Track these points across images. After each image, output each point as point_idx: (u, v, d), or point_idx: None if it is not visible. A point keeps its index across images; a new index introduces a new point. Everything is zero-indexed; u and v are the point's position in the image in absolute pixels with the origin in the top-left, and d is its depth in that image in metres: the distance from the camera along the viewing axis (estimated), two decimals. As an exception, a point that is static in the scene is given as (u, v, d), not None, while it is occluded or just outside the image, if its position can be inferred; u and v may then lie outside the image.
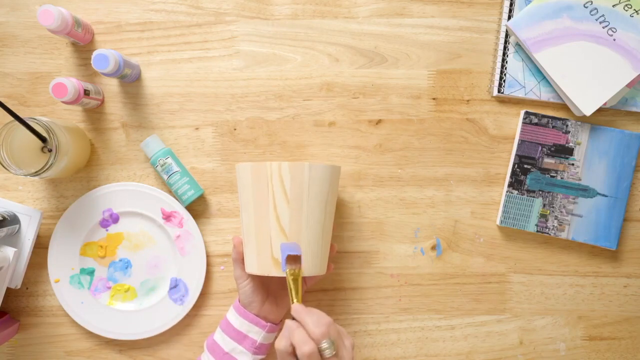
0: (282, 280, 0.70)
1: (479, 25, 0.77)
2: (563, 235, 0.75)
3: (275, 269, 0.62)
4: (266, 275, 0.63)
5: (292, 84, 0.76)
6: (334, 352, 0.55)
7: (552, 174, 0.75)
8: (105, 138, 0.76)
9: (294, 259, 0.61)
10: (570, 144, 0.75)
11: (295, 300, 0.60)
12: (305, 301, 0.77)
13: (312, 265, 0.64)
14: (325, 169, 0.64)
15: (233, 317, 0.68)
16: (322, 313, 0.58)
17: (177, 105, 0.76)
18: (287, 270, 0.61)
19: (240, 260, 0.68)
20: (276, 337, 0.68)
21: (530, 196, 0.75)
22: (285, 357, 0.56)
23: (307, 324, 0.56)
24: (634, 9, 0.73)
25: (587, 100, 0.73)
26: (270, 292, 0.69)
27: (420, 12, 0.76)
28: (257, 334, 0.66)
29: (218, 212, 0.77)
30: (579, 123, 0.75)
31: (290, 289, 0.60)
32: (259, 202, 0.63)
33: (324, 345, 0.55)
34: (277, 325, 0.69)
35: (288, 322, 0.58)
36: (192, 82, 0.76)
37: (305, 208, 0.63)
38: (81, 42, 0.74)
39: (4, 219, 0.69)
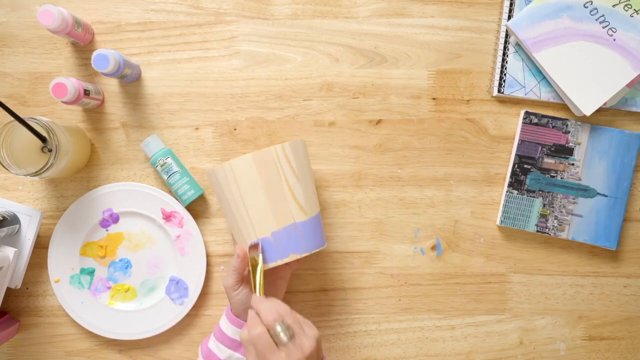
0: (268, 277, 0.70)
1: (479, 25, 0.77)
2: (563, 235, 0.75)
3: (302, 251, 0.63)
4: (299, 258, 0.63)
5: (292, 84, 0.76)
6: (288, 337, 0.55)
7: (552, 174, 0.75)
8: (105, 138, 0.76)
9: (253, 249, 0.62)
10: (570, 144, 0.75)
11: (258, 292, 0.61)
12: (305, 301, 0.77)
13: (322, 238, 0.66)
14: (305, 143, 0.67)
15: (227, 326, 0.67)
16: (278, 301, 0.59)
17: (177, 105, 0.76)
18: (250, 260, 0.62)
19: (242, 269, 0.65)
20: None
21: (530, 196, 0.75)
22: (247, 346, 0.57)
23: (259, 311, 0.57)
24: (634, 9, 0.73)
25: (587, 100, 0.73)
26: None
27: (420, 12, 0.76)
28: None
29: (218, 212, 0.77)
30: (579, 123, 0.75)
31: (254, 280, 0.61)
32: (271, 189, 0.62)
33: (277, 329, 0.55)
34: None
35: (249, 312, 0.59)
36: (192, 82, 0.76)
37: (310, 183, 0.65)
38: (81, 42, 0.74)
39: (4, 219, 0.69)
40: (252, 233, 0.63)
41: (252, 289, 0.61)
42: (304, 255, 0.63)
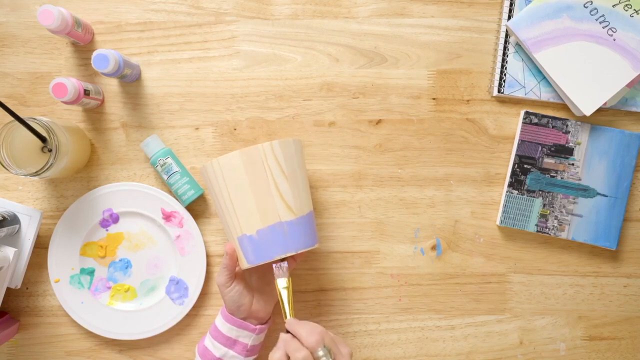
0: (260, 274, 0.70)
1: (479, 25, 0.77)
2: (563, 235, 0.75)
3: (288, 250, 0.62)
4: (287, 255, 0.62)
5: (292, 84, 0.76)
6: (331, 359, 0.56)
7: (552, 174, 0.75)
8: (105, 138, 0.76)
9: (282, 271, 0.63)
10: (570, 144, 0.75)
11: (288, 315, 0.62)
12: (305, 301, 0.77)
13: (312, 238, 0.65)
14: (298, 141, 0.66)
15: (221, 324, 0.67)
16: (313, 323, 0.59)
17: (177, 105, 0.76)
18: (278, 283, 0.62)
19: (232, 266, 0.66)
20: (265, 336, 0.69)
21: (530, 196, 0.75)
22: None
23: (300, 334, 0.57)
24: (634, 9, 0.73)
25: (587, 100, 0.73)
26: (254, 289, 0.69)
27: (420, 12, 0.76)
28: (247, 337, 0.66)
29: (218, 212, 0.77)
30: (579, 123, 0.75)
31: (283, 303, 0.62)
32: (257, 187, 0.62)
33: (320, 353, 0.56)
34: (266, 325, 0.69)
35: (282, 335, 0.59)
36: (192, 82, 0.76)
37: (300, 181, 0.64)
38: (81, 42, 0.74)
39: (4, 219, 0.69)
40: (238, 230, 0.63)
41: (283, 313, 0.62)
42: (288, 254, 0.62)
